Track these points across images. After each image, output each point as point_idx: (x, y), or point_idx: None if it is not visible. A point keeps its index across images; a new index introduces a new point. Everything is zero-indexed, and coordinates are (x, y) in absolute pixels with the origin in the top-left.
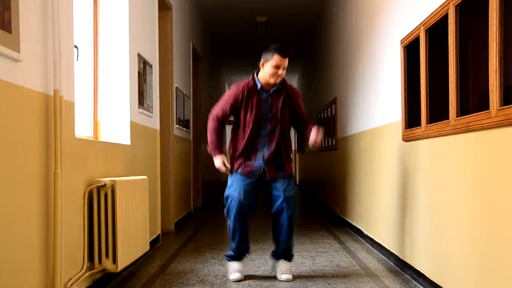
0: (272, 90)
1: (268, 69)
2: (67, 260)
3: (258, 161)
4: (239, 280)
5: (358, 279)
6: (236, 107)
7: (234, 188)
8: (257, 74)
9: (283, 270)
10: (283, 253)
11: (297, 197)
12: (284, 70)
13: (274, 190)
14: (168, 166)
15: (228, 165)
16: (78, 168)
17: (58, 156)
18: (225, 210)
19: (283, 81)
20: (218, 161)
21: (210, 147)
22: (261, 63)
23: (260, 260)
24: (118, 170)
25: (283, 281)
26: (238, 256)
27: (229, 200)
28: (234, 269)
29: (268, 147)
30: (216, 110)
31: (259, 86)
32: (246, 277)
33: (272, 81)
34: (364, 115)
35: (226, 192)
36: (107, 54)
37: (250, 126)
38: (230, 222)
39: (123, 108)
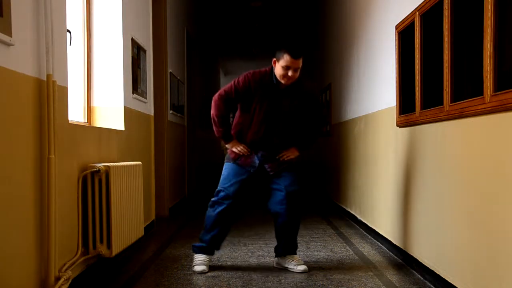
0: (285, 87)
1: (279, 70)
2: (62, 246)
3: (258, 156)
4: (204, 272)
5: (352, 264)
6: (245, 95)
7: (229, 183)
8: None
9: (296, 262)
10: (287, 250)
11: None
12: (297, 72)
13: (274, 184)
14: (162, 152)
15: (244, 149)
16: (72, 154)
17: (51, 141)
18: (212, 201)
19: (300, 81)
20: (234, 147)
21: (219, 133)
22: (273, 60)
23: (254, 245)
24: (112, 155)
25: (300, 272)
26: (208, 249)
27: (220, 194)
28: (200, 261)
29: (269, 144)
30: (221, 90)
31: (274, 81)
32: (241, 264)
33: (283, 81)
34: (358, 101)
35: (221, 185)
36: (101, 38)
37: (258, 121)
38: (211, 213)
39: (116, 93)
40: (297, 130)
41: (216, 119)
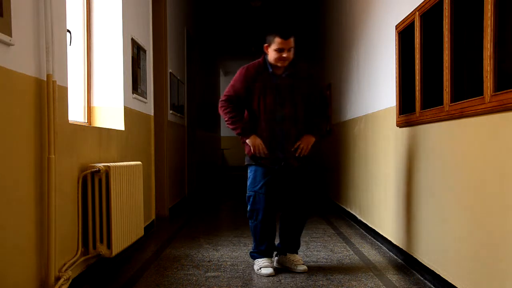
0: (283, 73)
1: (272, 54)
2: (62, 246)
3: (277, 150)
4: (272, 275)
5: (352, 264)
6: (245, 91)
7: (258, 185)
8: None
9: (297, 262)
10: (292, 247)
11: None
12: (291, 52)
13: (294, 182)
14: (162, 152)
15: (263, 150)
16: (72, 154)
17: (51, 141)
18: (248, 211)
19: (294, 63)
20: (253, 142)
21: (236, 130)
22: (264, 47)
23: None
24: (112, 155)
25: (301, 272)
26: (267, 254)
27: (253, 200)
28: (266, 263)
29: (285, 135)
30: (226, 92)
31: (270, 70)
32: (241, 264)
33: (279, 65)
34: (358, 101)
35: (250, 191)
36: (100, 38)
37: (264, 113)
38: (256, 224)
39: (116, 93)
40: (306, 114)
41: (227, 120)
